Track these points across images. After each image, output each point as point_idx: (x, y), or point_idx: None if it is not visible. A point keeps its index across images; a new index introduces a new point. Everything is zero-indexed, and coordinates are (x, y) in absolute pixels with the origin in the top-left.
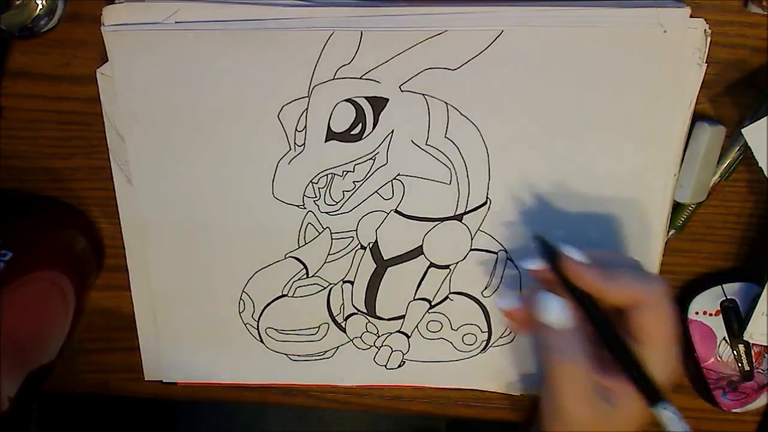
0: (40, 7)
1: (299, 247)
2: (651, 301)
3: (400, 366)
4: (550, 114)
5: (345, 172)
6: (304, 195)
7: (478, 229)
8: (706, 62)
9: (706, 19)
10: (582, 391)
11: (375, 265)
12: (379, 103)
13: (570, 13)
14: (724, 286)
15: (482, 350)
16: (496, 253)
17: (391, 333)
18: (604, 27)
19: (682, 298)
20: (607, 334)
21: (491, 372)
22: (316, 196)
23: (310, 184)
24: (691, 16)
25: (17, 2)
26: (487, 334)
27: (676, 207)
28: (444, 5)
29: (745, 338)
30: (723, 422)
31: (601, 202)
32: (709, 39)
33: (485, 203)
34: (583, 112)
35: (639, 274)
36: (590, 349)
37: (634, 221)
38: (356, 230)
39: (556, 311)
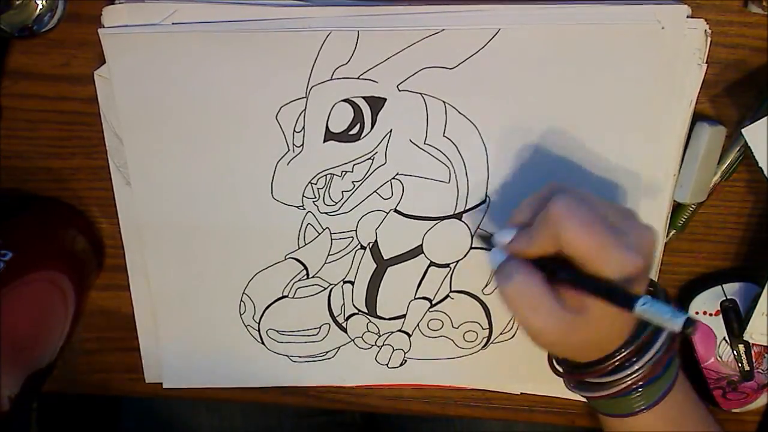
0: (40, 7)
1: (299, 248)
2: (558, 234)
3: (401, 365)
4: (548, 112)
5: (344, 173)
6: (303, 196)
7: (478, 227)
8: (706, 62)
9: (706, 19)
10: (533, 303)
11: (375, 265)
12: (377, 103)
13: (567, 11)
14: (724, 286)
15: (483, 347)
16: None
17: (392, 332)
18: (602, 24)
19: (682, 298)
20: (564, 276)
21: (492, 368)
22: (315, 197)
23: (309, 184)
24: (691, 16)
25: (17, 2)
26: (488, 331)
27: (676, 207)
28: (440, 4)
29: (745, 338)
30: (723, 422)
31: None
32: (709, 39)
33: (484, 201)
34: (581, 110)
35: (541, 218)
36: (534, 269)
37: None
38: (356, 230)
39: (494, 259)
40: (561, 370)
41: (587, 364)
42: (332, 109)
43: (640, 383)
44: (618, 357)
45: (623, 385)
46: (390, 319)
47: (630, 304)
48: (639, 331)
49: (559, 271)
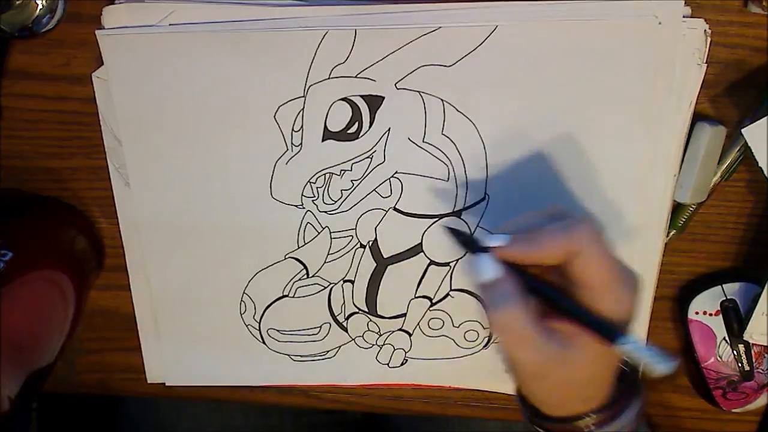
0: (40, 7)
1: (299, 248)
2: (579, 249)
3: (402, 364)
4: (547, 109)
5: (343, 171)
6: (302, 195)
7: (478, 225)
8: (706, 62)
9: (706, 19)
10: (522, 335)
11: (375, 264)
12: (375, 102)
13: (564, 7)
14: (724, 286)
15: (484, 346)
16: None
17: (393, 331)
18: (599, 20)
19: (682, 298)
20: (552, 298)
21: (493, 369)
22: (314, 196)
23: (308, 183)
24: (691, 16)
25: (17, 2)
26: (488, 330)
27: (676, 207)
28: (438, 2)
29: (745, 338)
30: (723, 422)
31: (601, 201)
32: (709, 39)
33: (483, 199)
34: (579, 106)
35: (561, 227)
36: (527, 297)
37: (634, 221)
38: (355, 229)
39: (485, 269)
40: (527, 416)
41: (553, 418)
42: (330, 108)
43: None
44: (583, 421)
45: None
46: (390, 318)
47: (613, 336)
48: (611, 402)
49: (555, 298)
